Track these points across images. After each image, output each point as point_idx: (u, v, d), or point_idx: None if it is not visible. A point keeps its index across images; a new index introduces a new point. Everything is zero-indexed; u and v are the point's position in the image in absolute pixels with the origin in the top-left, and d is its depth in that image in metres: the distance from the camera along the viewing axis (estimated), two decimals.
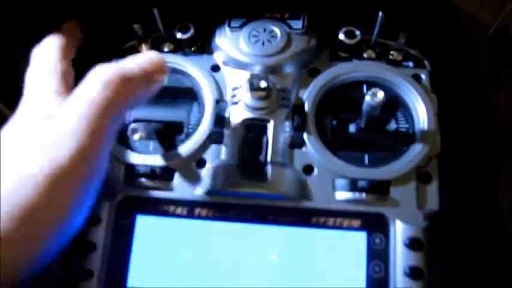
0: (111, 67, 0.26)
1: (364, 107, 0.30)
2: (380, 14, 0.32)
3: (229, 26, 0.35)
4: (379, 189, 0.29)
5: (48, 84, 0.28)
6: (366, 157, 0.31)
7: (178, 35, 0.35)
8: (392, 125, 0.32)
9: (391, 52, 0.34)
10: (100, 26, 0.38)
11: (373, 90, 0.29)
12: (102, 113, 0.25)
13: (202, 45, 0.35)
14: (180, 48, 0.36)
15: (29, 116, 0.27)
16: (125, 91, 0.26)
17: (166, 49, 0.36)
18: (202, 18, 0.35)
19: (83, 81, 0.27)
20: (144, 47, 0.36)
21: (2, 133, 0.26)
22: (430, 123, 0.31)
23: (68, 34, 0.32)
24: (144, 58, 0.28)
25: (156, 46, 0.36)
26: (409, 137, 0.31)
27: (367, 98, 0.29)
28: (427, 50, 0.35)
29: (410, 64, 0.34)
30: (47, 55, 0.30)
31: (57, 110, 0.26)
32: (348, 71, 0.33)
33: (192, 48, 0.35)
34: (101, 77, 0.26)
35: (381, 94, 0.29)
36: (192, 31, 0.35)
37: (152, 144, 0.32)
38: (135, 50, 0.36)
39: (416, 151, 0.30)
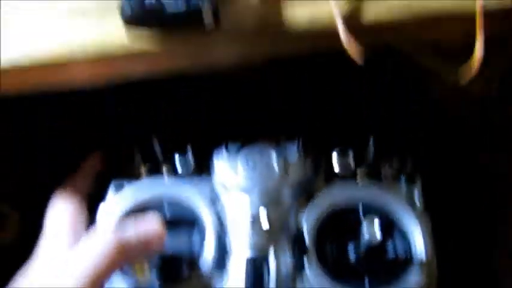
0: (112, 236, 0.29)
1: (362, 239, 0.31)
2: (371, 138, 0.34)
3: (226, 149, 0.36)
4: None
5: (61, 237, 0.32)
6: (367, 283, 0.32)
7: (177, 158, 0.36)
8: (390, 248, 0.33)
9: (384, 169, 0.36)
10: (100, 149, 0.38)
11: (368, 220, 0.30)
12: (94, 278, 0.27)
13: (200, 169, 0.36)
14: (178, 171, 0.36)
15: (40, 267, 0.30)
16: (119, 260, 0.29)
17: (164, 172, 0.37)
18: (200, 141, 0.37)
19: (86, 240, 0.29)
20: (142, 168, 0.37)
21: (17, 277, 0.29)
22: (426, 249, 0.32)
23: (89, 171, 0.37)
24: (145, 227, 0.31)
25: (155, 169, 0.37)
26: (407, 261, 0.32)
27: (364, 229, 0.30)
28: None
29: (402, 178, 0.36)
30: (65, 203, 0.34)
31: (61, 266, 0.29)
32: (344, 196, 0.34)
33: (190, 172, 0.36)
34: (101, 245, 0.28)
35: (377, 225, 0.30)
36: (190, 155, 0.36)
37: (153, 279, 0.32)
38: (133, 172, 0.37)
39: (416, 277, 0.31)
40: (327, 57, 0.30)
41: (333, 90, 0.41)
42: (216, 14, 0.26)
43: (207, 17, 0.26)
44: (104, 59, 0.28)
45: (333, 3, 0.27)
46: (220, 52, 0.28)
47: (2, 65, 0.27)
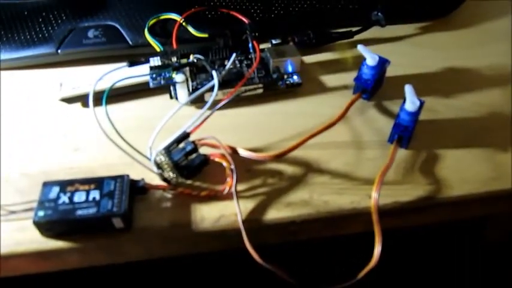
0: None
1: None
2: None
3: None
4: None
5: None
6: None
7: None
8: None
9: None
10: None
11: None
12: None
13: None
14: None
15: None
16: None
17: None
18: None
19: None
20: None
21: None
22: None
23: None
24: None
25: None
26: None
27: None
28: None
29: None
30: None
31: None
32: None
33: None
34: None
35: None
36: None
37: None
38: None
39: None
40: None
41: None
42: (126, 218, 0.28)
43: (117, 222, 0.28)
44: (16, 255, 0.29)
45: (236, 205, 0.30)
46: (131, 251, 0.30)
47: None
